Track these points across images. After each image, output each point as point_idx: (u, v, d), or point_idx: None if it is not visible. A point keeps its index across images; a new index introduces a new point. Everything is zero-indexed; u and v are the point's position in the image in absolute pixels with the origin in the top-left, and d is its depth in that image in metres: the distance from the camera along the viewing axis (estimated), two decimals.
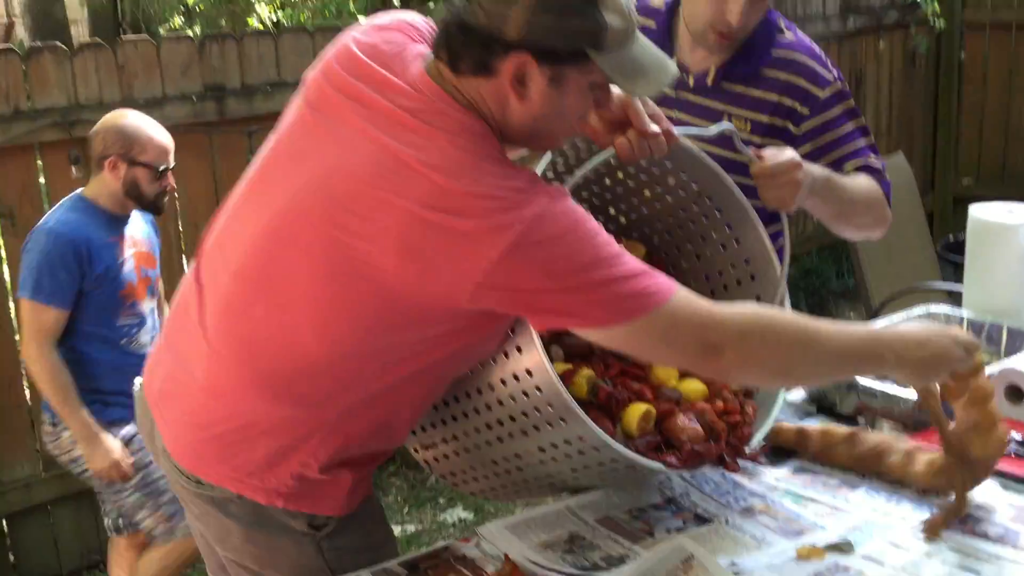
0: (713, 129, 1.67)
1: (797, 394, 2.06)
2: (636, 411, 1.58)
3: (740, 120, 1.98)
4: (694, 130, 1.67)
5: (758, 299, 1.78)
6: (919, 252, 3.99)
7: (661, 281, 1.37)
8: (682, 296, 1.38)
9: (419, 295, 1.36)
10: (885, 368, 1.50)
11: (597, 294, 1.35)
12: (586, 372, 1.60)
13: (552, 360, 1.59)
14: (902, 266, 3.73)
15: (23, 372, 3.31)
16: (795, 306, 1.82)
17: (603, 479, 1.65)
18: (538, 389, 1.46)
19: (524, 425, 1.52)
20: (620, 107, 1.55)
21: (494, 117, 1.41)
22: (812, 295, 5.46)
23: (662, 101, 2.04)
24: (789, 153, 1.74)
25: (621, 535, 1.60)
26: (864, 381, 1.98)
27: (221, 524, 1.59)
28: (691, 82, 2.02)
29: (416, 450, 1.76)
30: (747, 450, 1.64)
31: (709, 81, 2.01)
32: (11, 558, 3.41)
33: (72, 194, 2.88)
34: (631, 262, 1.37)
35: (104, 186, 2.81)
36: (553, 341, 1.64)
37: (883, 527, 1.60)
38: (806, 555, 1.52)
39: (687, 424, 1.60)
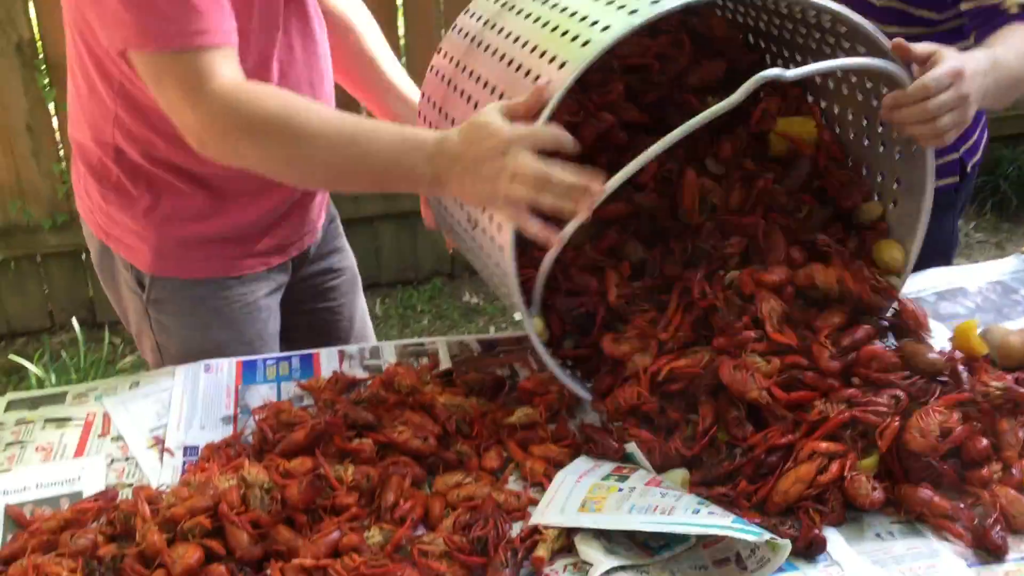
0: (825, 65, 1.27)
1: None
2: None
3: None
4: (818, 66, 1.25)
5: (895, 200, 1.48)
6: None
7: (203, 27, 1.20)
8: (201, 58, 1.20)
9: None
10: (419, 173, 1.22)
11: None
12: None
13: None
14: None
15: None
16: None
17: None
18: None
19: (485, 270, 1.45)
20: None
21: None
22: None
23: None
24: (951, 63, 1.19)
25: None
26: None
27: (98, 269, 1.62)
28: None
29: None
30: None
31: None
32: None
33: None
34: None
35: None
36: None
37: None
38: None
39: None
